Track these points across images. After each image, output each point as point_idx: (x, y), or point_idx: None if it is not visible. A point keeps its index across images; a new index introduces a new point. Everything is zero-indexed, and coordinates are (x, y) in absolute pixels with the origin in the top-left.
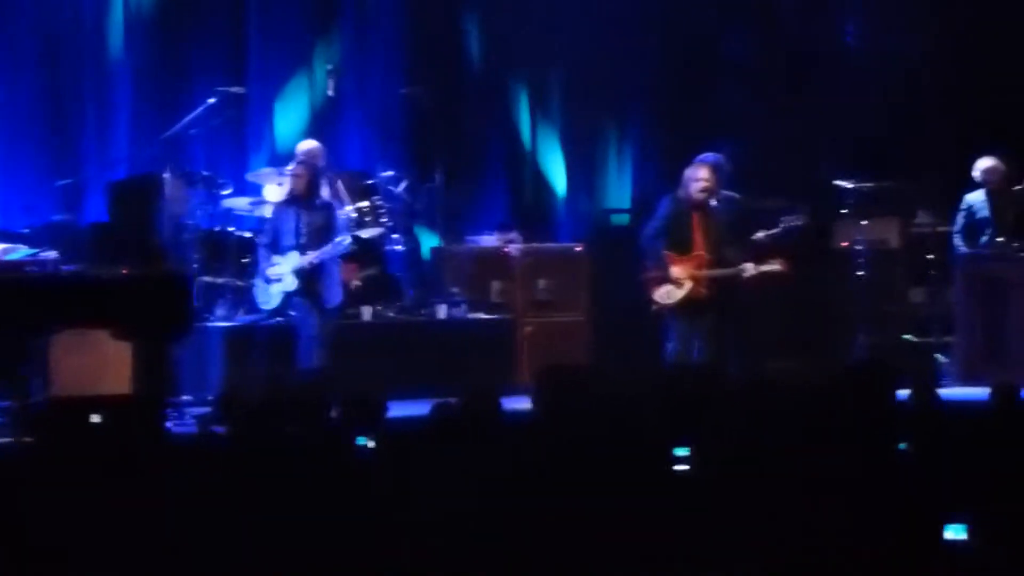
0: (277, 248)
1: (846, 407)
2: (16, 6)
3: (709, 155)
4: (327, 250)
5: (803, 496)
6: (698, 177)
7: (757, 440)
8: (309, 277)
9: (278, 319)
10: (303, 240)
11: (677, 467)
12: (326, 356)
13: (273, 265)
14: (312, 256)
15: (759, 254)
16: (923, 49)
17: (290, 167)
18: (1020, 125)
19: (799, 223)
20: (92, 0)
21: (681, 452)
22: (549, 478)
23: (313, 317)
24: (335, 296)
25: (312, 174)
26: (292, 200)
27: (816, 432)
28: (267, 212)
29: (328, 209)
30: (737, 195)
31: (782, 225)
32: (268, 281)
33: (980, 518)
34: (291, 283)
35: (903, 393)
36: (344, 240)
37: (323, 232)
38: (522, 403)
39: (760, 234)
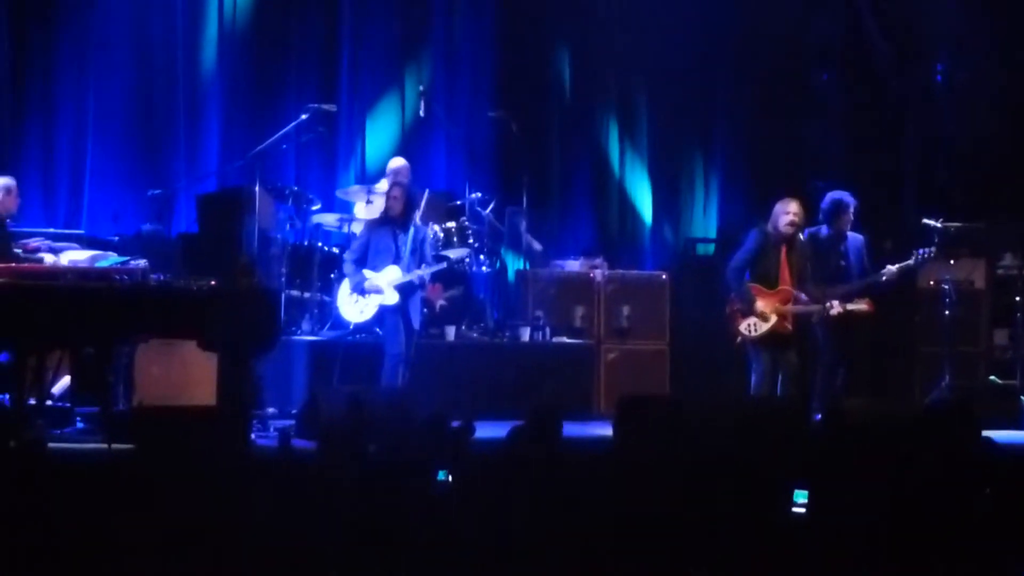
0: (367, 264)
1: (928, 449)
2: (113, 19)
3: (839, 192)
4: (433, 268)
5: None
6: (788, 211)
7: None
8: (405, 294)
9: (361, 335)
10: (401, 258)
11: (796, 510)
12: (410, 375)
13: (366, 279)
14: (421, 272)
15: (846, 293)
16: (1014, 88)
17: (381, 185)
18: None
19: (931, 255)
20: (187, 14)
21: (800, 498)
22: (626, 511)
23: (401, 334)
24: (420, 316)
25: (409, 195)
26: (387, 219)
27: (902, 475)
28: (356, 228)
29: (422, 230)
30: (862, 236)
31: (914, 257)
32: (364, 293)
33: None
34: (392, 297)
35: (992, 434)
36: (459, 257)
37: (417, 252)
38: (601, 429)
39: (891, 267)
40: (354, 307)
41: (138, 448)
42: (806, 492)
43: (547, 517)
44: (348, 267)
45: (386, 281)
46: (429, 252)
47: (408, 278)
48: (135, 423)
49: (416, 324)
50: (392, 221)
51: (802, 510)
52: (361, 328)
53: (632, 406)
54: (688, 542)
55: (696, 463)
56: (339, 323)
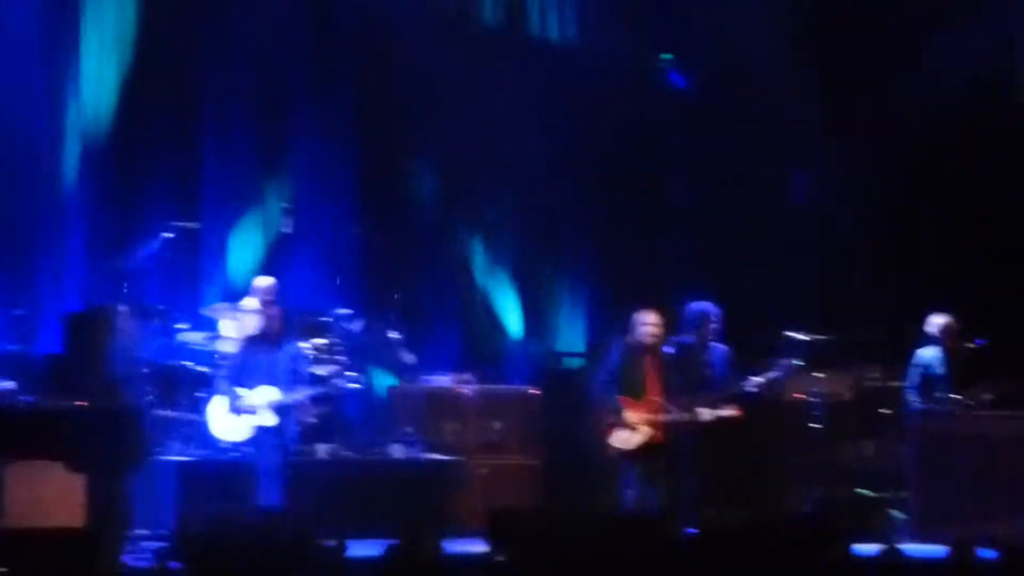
0: (240, 382)
1: (793, 559)
2: None
3: (703, 303)
4: (312, 392)
5: None
6: (646, 322)
7: None
8: (282, 414)
9: (232, 454)
10: (276, 377)
11: None
12: (286, 494)
13: (239, 398)
14: (297, 395)
15: (713, 400)
16: (868, 210)
17: (247, 302)
18: (967, 281)
19: (796, 367)
20: (47, 129)
21: None
22: None
23: (277, 454)
24: (295, 433)
25: (284, 314)
26: (263, 337)
27: None
28: (221, 347)
29: (296, 349)
30: (725, 346)
31: (778, 370)
32: (238, 413)
33: None
34: (268, 418)
35: (861, 548)
36: (335, 375)
37: (294, 372)
38: (473, 545)
39: (756, 378)
40: (230, 426)
41: (8, 573)
42: None
43: None
44: (223, 385)
45: (262, 400)
46: (305, 371)
47: (286, 400)
48: (3, 546)
49: (291, 443)
50: (266, 339)
51: None
52: (233, 447)
53: (503, 520)
54: None
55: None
56: (209, 442)
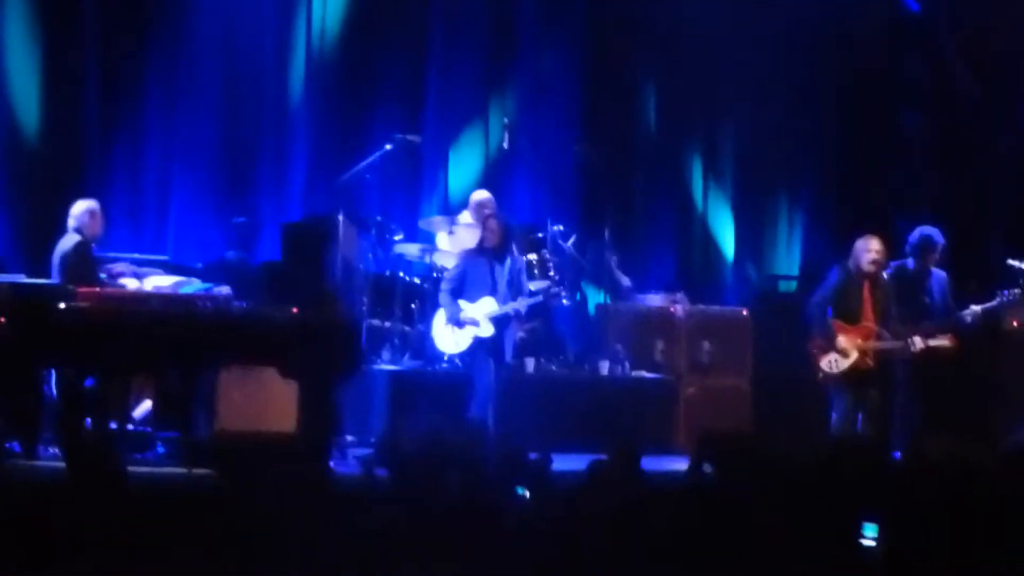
0: (462, 295)
1: (1005, 495)
2: (202, 46)
3: (928, 228)
4: (530, 301)
5: None
6: (869, 248)
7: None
8: (501, 326)
9: (446, 366)
10: (497, 290)
11: (865, 543)
12: (496, 407)
13: (461, 311)
14: (517, 305)
15: (929, 330)
16: None
17: (463, 216)
18: None
19: (1017, 297)
20: (276, 43)
21: (870, 531)
22: (707, 546)
23: (491, 366)
24: (513, 348)
25: (506, 226)
26: (483, 250)
27: (981, 519)
28: (438, 259)
29: (519, 261)
30: (945, 273)
31: (999, 299)
32: (460, 325)
33: None
34: (487, 330)
35: None
36: (553, 290)
37: (513, 284)
38: (680, 464)
39: (975, 307)
40: (450, 338)
41: (218, 474)
42: (875, 526)
43: (626, 545)
44: (444, 297)
45: (482, 313)
46: (526, 284)
47: (504, 310)
48: (216, 449)
49: (508, 357)
50: (488, 252)
51: (872, 543)
52: (455, 359)
53: (711, 441)
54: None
55: (773, 499)
56: (422, 352)
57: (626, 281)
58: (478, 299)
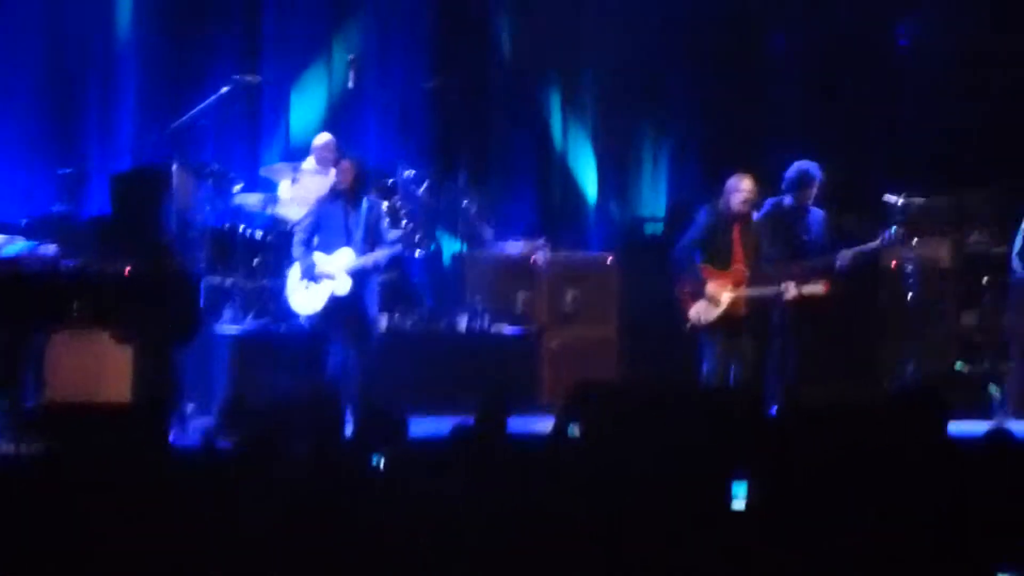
0: (316, 246)
1: (894, 438)
2: None
3: (805, 163)
4: (390, 251)
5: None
6: (741, 188)
7: (811, 471)
8: (359, 280)
9: (295, 325)
10: (353, 239)
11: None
12: (350, 368)
13: (315, 264)
14: (376, 256)
15: (804, 272)
16: (983, 51)
17: (307, 163)
18: None
19: (892, 236)
20: None
21: (739, 491)
22: (581, 504)
23: (349, 325)
24: (376, 304)
25: (359, 168)
26: (337, 195)
27: (866, 466)
28: (281, 210)
29: (377, 205)
30: (823, 211)
31: (880, 239)
32: (316, 280)
33: None
34: (345, 285)
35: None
36: (412, 239)
37: (371, 232)
38: (544, 422)
39: (847, 251)
40: (304, 295)
41: (49, 447)
42: (745, 484)
43: (489, 508)
44: (297, 249)
45: (338, 266)
46: (385, 231)
47: (362, 262)
48: (46, 420)
49: (373, 313)
50: (343, 196)
51: (741, 503)
52: (299, 319)
53: (577, 395)
54: (630, 535)
55: (642, 454)
56: (268, 311)
57: (488, 233)
58: (334, 250)
